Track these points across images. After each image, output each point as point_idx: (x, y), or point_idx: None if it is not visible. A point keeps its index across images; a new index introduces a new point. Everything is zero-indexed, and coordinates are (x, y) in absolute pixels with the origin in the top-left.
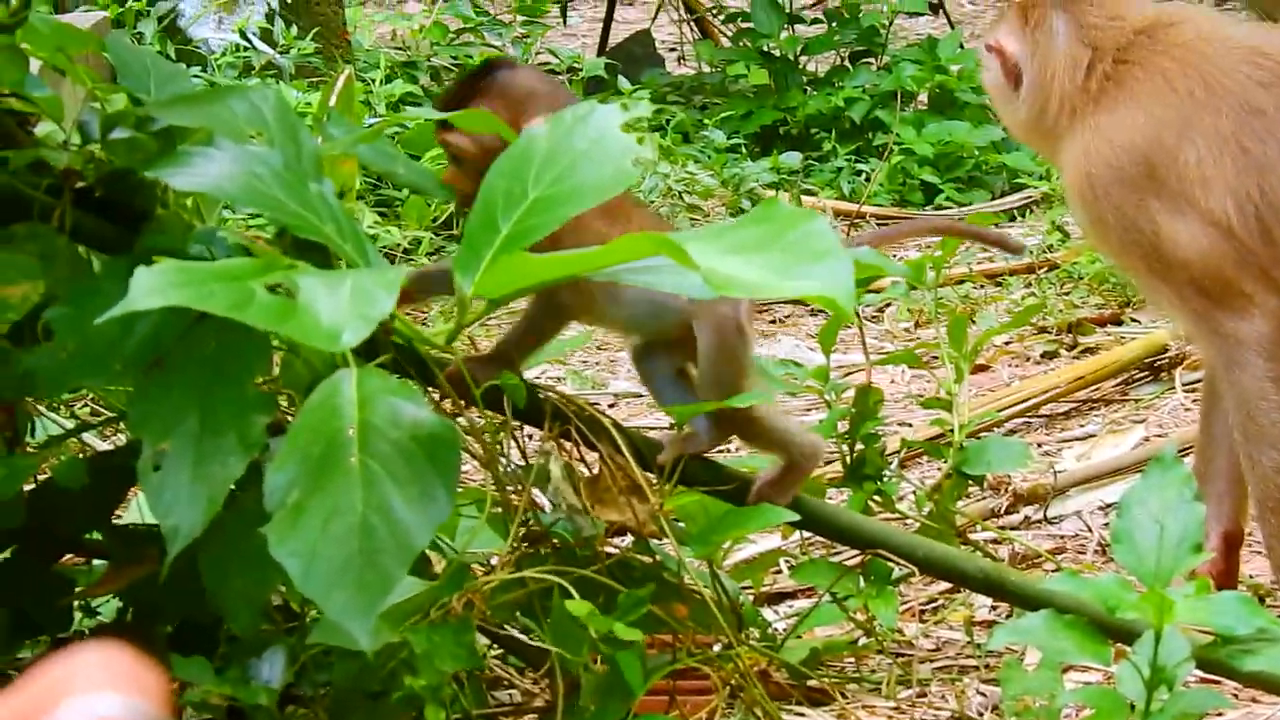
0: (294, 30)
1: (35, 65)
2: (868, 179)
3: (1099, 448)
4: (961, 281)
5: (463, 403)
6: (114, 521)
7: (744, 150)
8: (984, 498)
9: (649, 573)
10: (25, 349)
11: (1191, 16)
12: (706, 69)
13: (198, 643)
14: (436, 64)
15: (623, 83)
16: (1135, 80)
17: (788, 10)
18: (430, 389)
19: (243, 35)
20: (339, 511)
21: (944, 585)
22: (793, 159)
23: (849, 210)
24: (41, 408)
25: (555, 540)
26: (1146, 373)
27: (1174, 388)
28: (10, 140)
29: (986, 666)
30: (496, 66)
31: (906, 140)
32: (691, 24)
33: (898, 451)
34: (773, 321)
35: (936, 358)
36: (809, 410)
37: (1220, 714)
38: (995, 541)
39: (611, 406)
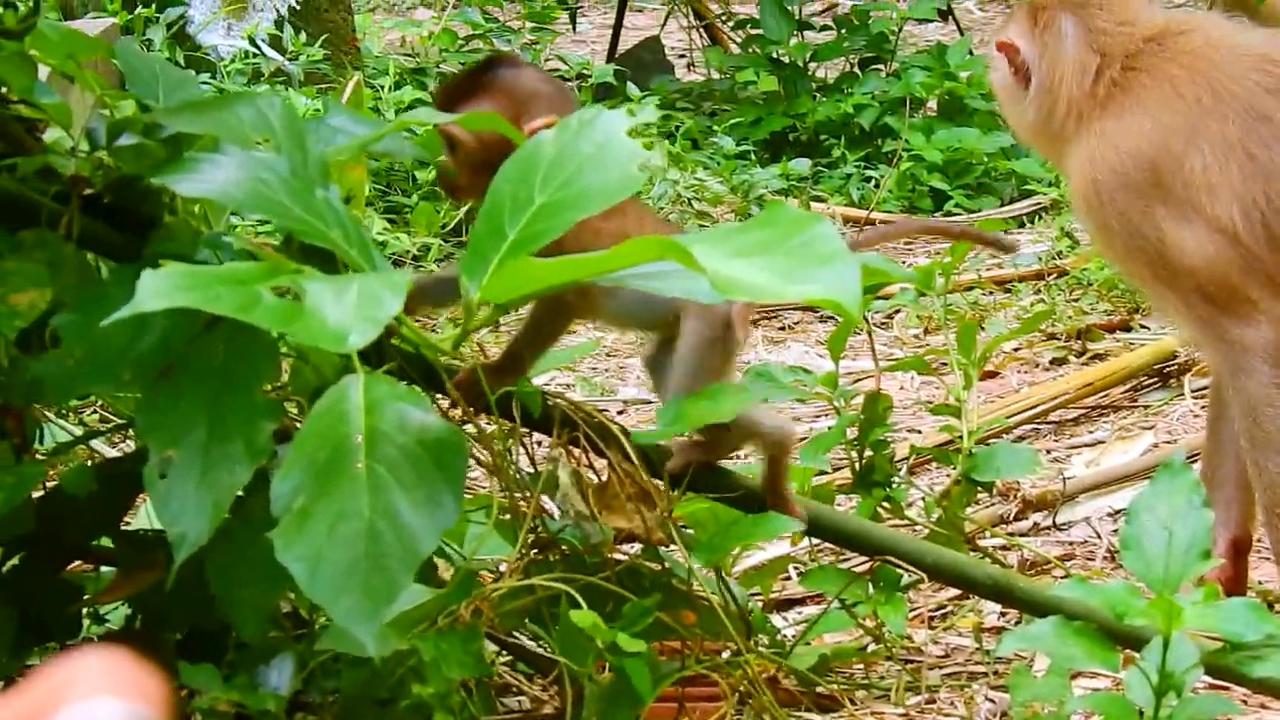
0: (303, 37)
1: (44, 72)
2: (877, 185)
3: (1108, 454)
4: (971, 288)
5: (470, 409)
6: (122, 528)
7: (753, 157)
8: (993, 504)
9: (657, 580)
10: (33, 356)
11: (1201, 24)
12: (716, 75)
13: (206, 650)
14: (445, 70)
15: (632, 89)
16: (1143, 87)
17: (797, 17)
18: (438, 395)
19: (252, 42)
20: (345, 516)
21: (953, 592)
22: (802, 165)
23: (858, 216)
24: (50, 415)
25: (564, 547)
26: (1155, 379)
27: (1183, 394)
28: (19, 147)
29: (995, 673)
30: (500, 63)
31: (916, 147)
32: (701, 30)
33: (907, 458)
34: (782, 328)
35: (945, 364)
36: (818, 416)
37: None
38: (1004, 548)
39: (620, 413)
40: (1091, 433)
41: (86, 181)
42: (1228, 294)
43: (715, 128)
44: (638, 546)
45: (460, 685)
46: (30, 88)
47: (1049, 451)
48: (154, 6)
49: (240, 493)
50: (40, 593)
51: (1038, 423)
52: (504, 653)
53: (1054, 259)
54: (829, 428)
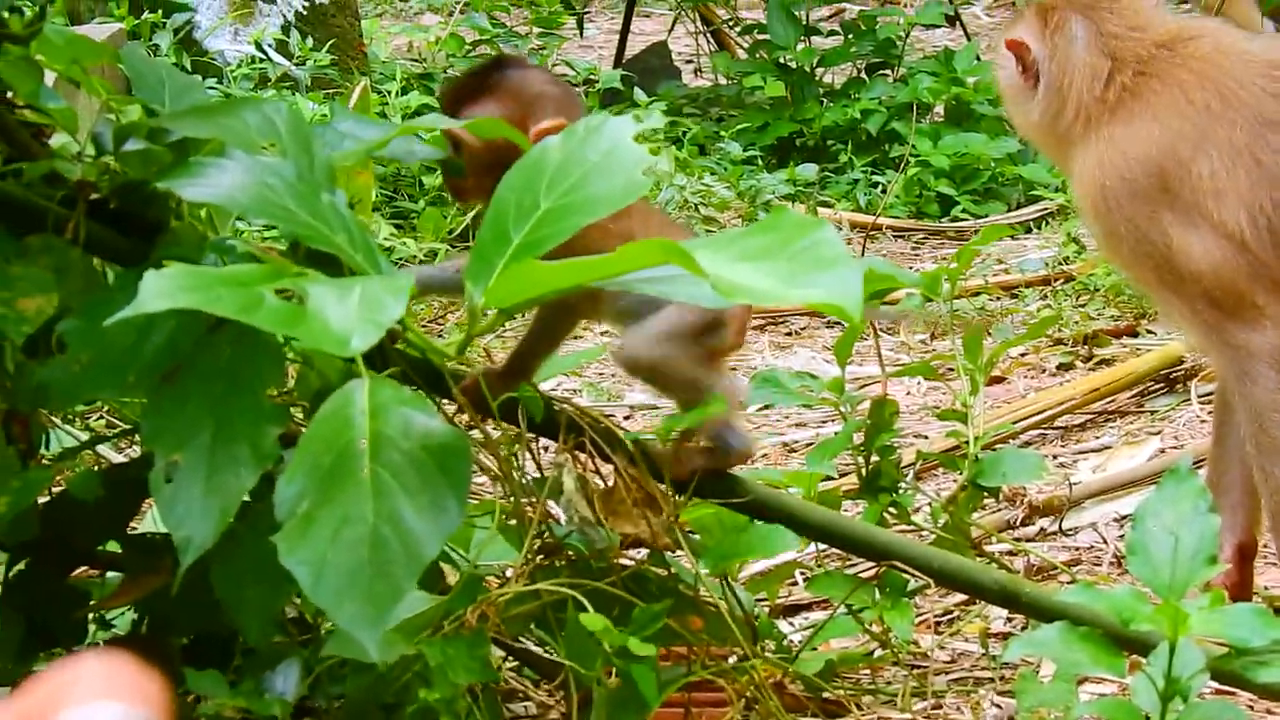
0: (310, 42)
1: (50, 77)
2: (884, 191)
3: (1114, 460)
4: (977, 293)
5: (476, 414)
6: (129, 533)
7: (760, 162)
8: (999, 509)
9: (664, 585)
10: (39, 361)
11: (1211, 31)
12: (723, 81)
13: (212, 655)
14: (452, 75)
15: (639, 95)
16: (1153, 93)
17: (804, 22)
18: (443, 400)
19: (258, 47)
20: (349, 521)
21: (959, 597)
22: (809, 171)
23: (865, 222)
24: (56, 420)
25: (570, 552)
26: (1162, 385)
27: (1189, 400)
28: (25, 152)
29: (1002, 678)
30: (507, 64)
31: (923, 152)
32: (708, 36)
33: (913, 463)
34: (789, 334)
35: (952, 369)
36: (824, 422)
37: None
38: (1010, 553)
39: (627, 418)
40: (1098, 438)
41: (93, 186)
42: (1234, 299)
43: (722, 133)
44: (644, 552)
45: (466, 691)
46: (36, 92)
47: (1055, 457)
48: (160, 11)
49: (246, 497)
50: (46, 598)
51: (1044, 428)
52: (510, 658)
53: (1061, 264)
54: (835, 433)
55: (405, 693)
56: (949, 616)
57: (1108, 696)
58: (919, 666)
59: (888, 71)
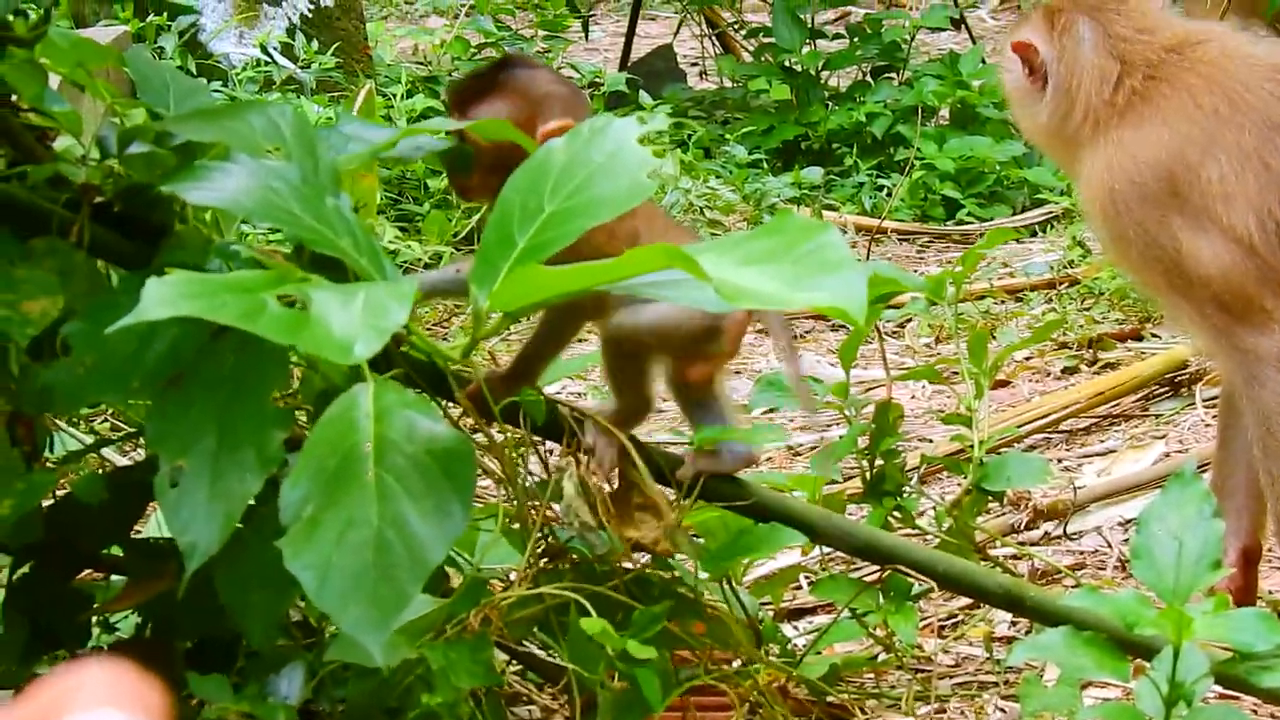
0: (315, 45)
1: (55, 80)
2: (889, 194)
3: (1119, 463)
4: (982, 297)
5: (481, 418)
6: (133, 537)
7: (765, 165)
8: (1004, 513)
9: (666, 589)
10: (43, 364)
11: (1219, 35)
12: (728, 84)
13: (216, 659)
14: (458, 79)
15: (644, 98)
16: (1163, 97)
17: (809, 25)
18: (448, 403)
19: (264, 50)
20: (354, 525)
21: (964, 601)
22: (814, 174)
23: (870, 225)
24: (60, 423)
25: (574, 556)
26: (1167, 388)
27: (1194, 403)
28: (29, 155)
29: (1006, 683)
30: (514, 64)
31: (928, 155)
32: (713, 39)
33: (918, 467)
34: (794, 337)
35: (957, 373)
36: (829, 425)
37: None
38: (1015, 557)
39: None
40: (1103, 442)
41: (97, 190)
42: (1243, 303)
43: (728, 136)
44: (647, 555)
45: (470, 694)
46: (41, 95)
47: (1060, 460)
48: (166, 14)
49: (250, 501)
50: (50, 601)
51: (1049, 432)
52: (514, 661)
53: (1066, 268)
54: (840, 436)
55: (408, 697)
56: (953, 620)
57: (1112, 701)
58: (923, 670)
59: (893, 75)
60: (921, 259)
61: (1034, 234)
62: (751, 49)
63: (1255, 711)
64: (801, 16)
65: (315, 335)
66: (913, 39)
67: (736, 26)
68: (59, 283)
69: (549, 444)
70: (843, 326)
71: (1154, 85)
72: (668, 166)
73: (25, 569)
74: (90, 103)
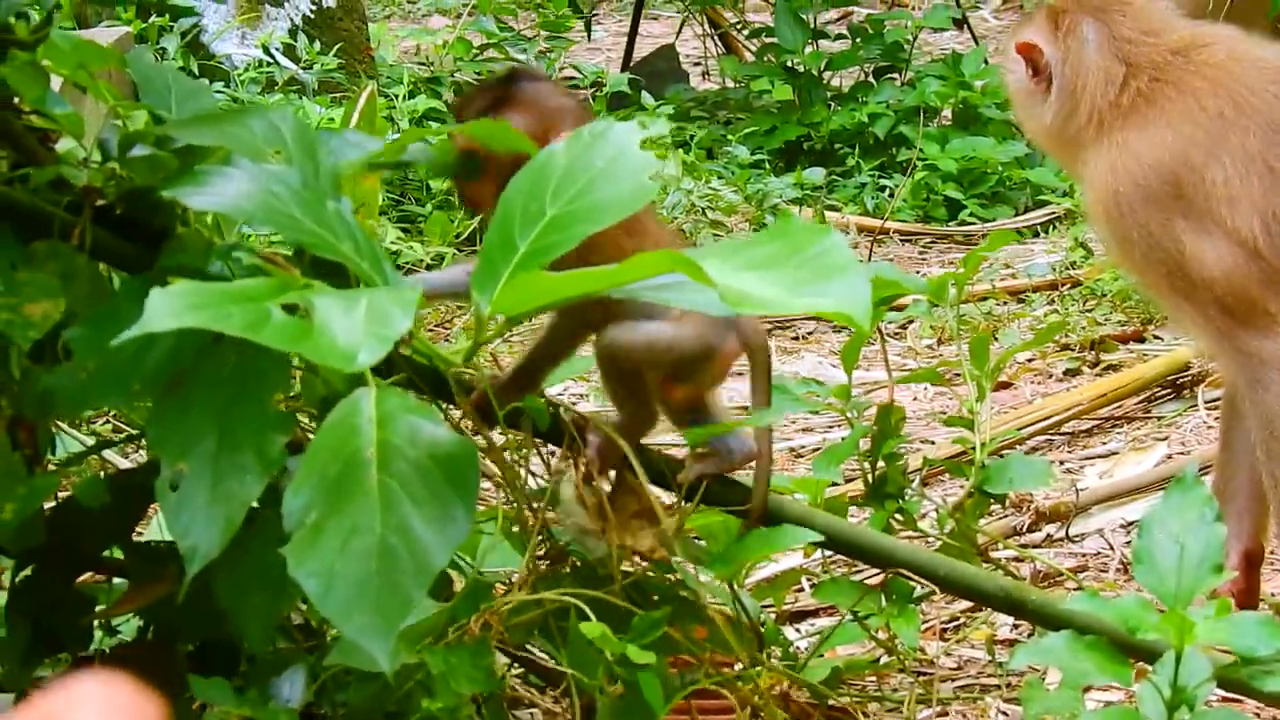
0: (317, 46)
1: (56, 82)
2: (891, 195)
3: (1121, 465)
4: (984, 298)
5: (484, 423)
6: (135, 539)
7: (768, 166)
8: (1006, 515)
9: (665, 594)
10: (45, 368)
11: (1224, 37)
12: (730, 84)
13: (219, 662)
14: (460, 79)
15: (646, 98)
16: (1167, 99)
17: (812, 25)
18: (449, 405)
19: (266, 51)
20: (358, 531)
21: (965, 604)
22: (816, 175)
23: (873, 226)
24: (63, 425)
25: (574, 560)
26: (1169, 390)
27: (1196, 405)
28: (31, 157)
29: (1008, 686)
30: (524, 77)
31: (930, 156)
32: (715, 38)
33: (920, 469)
34: (795, 338)
35: (959, 375)
36: (831, 427)
37: None
38: (1017, 559)
39: None
40: (1105, 444)
41: (99, 193)
42: (1247, 307)
43: (730, 137)
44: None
45: (471, 698)
46: (43, 98)
47: (1062, 462)
48: (168, 15)
49: (251, 504)
50: (52, 603)
51: (1051, 434)
52: (516, 665)
53: (1068, 269)
54: (842, 438)
55: (409, 701)
56: (955, 623)
57: (1114, 705)
58: (925, 673)
59: (895, 75)
60: (924, 260)
61: (1036, 234)
62: (754, 49)
63: (1258, 715)
64: (803, 17)
65: (319, 344)
66: (915, 39)
67: (739, 26)
68: (61, 286)
69: (550, 447)
70: (845, 328)
71: (1159, 88)
72: (670, 167)
73: (27, 571)
74: (92, 104)
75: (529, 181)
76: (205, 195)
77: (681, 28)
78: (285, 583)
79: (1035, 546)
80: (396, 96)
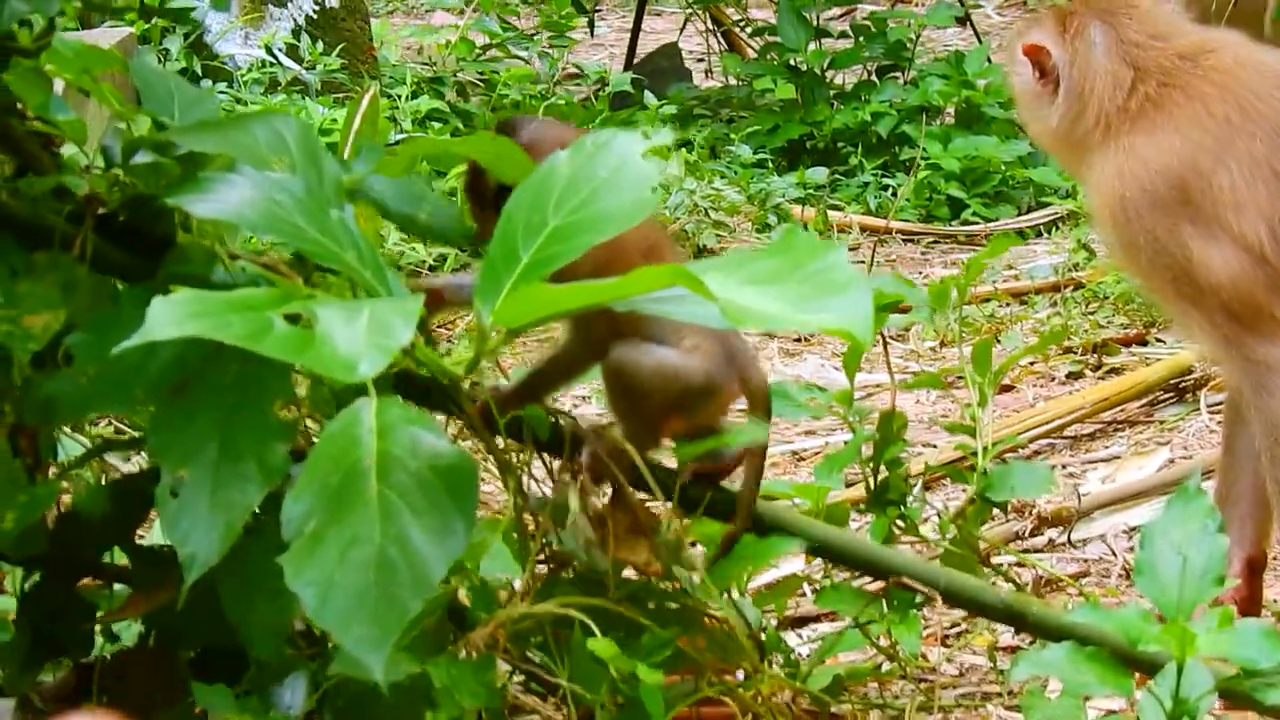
0: (320, 46)
1: (59, 84)
2: (894, 194)
3: (1124, 470)
4: (987, 300)
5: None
6: (137, 544)
7: (771, 165)
8: (1008, 520)
9: (665, 603)
10: (46, 375)
11: (1231, 43)
12: (733, 82)
13: (221, 667)
14: (463, 79)
15: (649, 98)
16: (1175, 104)
17: (814, 24)
18: (451, 416)
19: (269, 51)
20: (357, 542)
21: None
22: (819, 174)
23: (876, 225)
24: (65, 428)
25: (575, 566)
26: (1171, 394)
27: (1199, 409)
28: (33, 164)
29: (1010, 693)
30: (515, 124)
31: (933, 155)
32: (718, 36)
33: (921, 474)
34: (798, 340)
35: (961, 378)
36: (834, 430)
37: None
38: (1019, 564)
39: None
40: (1107, 448)
41: (101, 201)
42: (1252, 312)
43: (732, 136)
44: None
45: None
46: (46, 104)
47: (1064, 466)
48: (170, 16)
49: (256, 510)
50: (56, 609)
51: (1053, 437)
52: (517, 672)
53: (1071, 270)
54: (845, 442)
55: (412, 709)
56: (957, 629)
57: (1115, 714)
58: (926, 680)
59: (898, 74)
60: (926, 260)
61: (1039, 234)
62: (757, 47)
63: None
64: (806, 15)
65: (320, 354)
66: (917, 38)
67: (741, 25)
68: (61, 297)
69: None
70: None
71: (1167, 92)
72: (672, 168)
73: (36, 577)
74: (95, 108)
75: (532, 193)
76: (208, 203)
77: (685, 25)
78: (290, 591)
79: (1037, 551)
80: (399, 97)
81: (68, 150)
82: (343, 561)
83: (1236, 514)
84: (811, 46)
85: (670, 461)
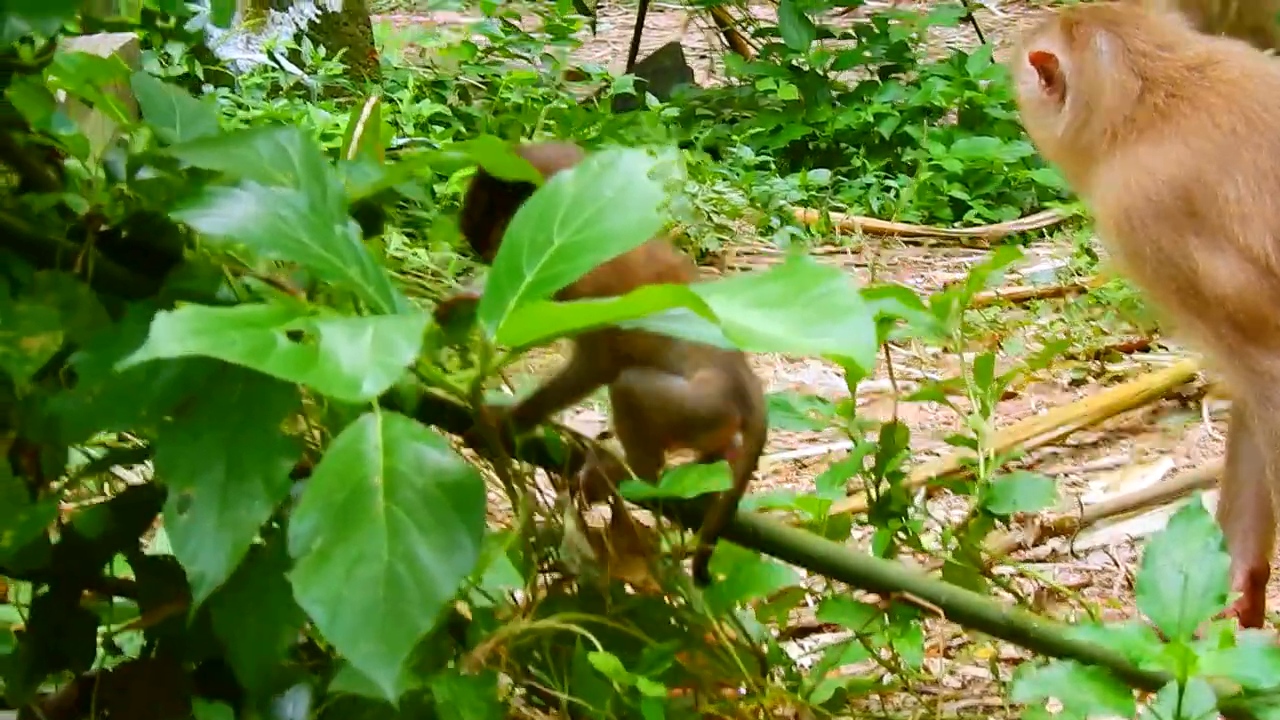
0: (322, 51)
1: (61, 93)
2: (897, 195)
3: (1126, 479)
4: (989, 305)
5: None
6: (142, 555)
7: (773, 166)
8: (1011, 530)
9: (665, 626)
10: (50, 392)
11: (1237, 54)
12: (735, 81)
13: (223, 681)
14: (465, 82)
15: (651, 100)
16: (1182, 115)
17: (817, 24)
18: (455, 432)
19: (271, 56)
20: (364, 559)
21: None
22: (821, 176)
23: (878, 227)
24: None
25: (576, 581)
26: (1175, 402)
27: (1201, 418)
28: (36, 179)
29: (1012, 706)
30: (519, 149)
31: (936, 156)
32: (721, 35)
33: (924, 482)
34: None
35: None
36: (837, 437)
37: None
38: (1021, 575)
39: None
40: (1110, 456)
41: (103, 218)
42: (1258, 324)
43: (735, 137)
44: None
45: None
46: (48, 119)
47: (1067, 475)
48: (172, 21)
49: (259, 529)
50: (60, 623)
51: (1056, 446)
52: (519, 686)
53: (1073, 275)
54: (848, 450)
55: None
56: (959, 641)
57: None
58: (929, 693)
59: (901, 74)
60: (929, 264)
61: (1042, 236)
62: (759, 47)
63: None
64: (808, 15)
65: (324, 372)
66: (919, 39)
67: (744, 24)
68: (60, 317)
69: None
70: None
71: (1175, 103)
72: (674, 172)
73: (44, 589)
74: (97, 119)
75: (537, 210)
76: (212, 219)
77: (687, 24)
78: (284, 611)
79: (1040, 561)
80: (401, 101)
81: (71, 161)
82: (350, 578)
83: (1240, 526)
84: (814, 47)
85: None
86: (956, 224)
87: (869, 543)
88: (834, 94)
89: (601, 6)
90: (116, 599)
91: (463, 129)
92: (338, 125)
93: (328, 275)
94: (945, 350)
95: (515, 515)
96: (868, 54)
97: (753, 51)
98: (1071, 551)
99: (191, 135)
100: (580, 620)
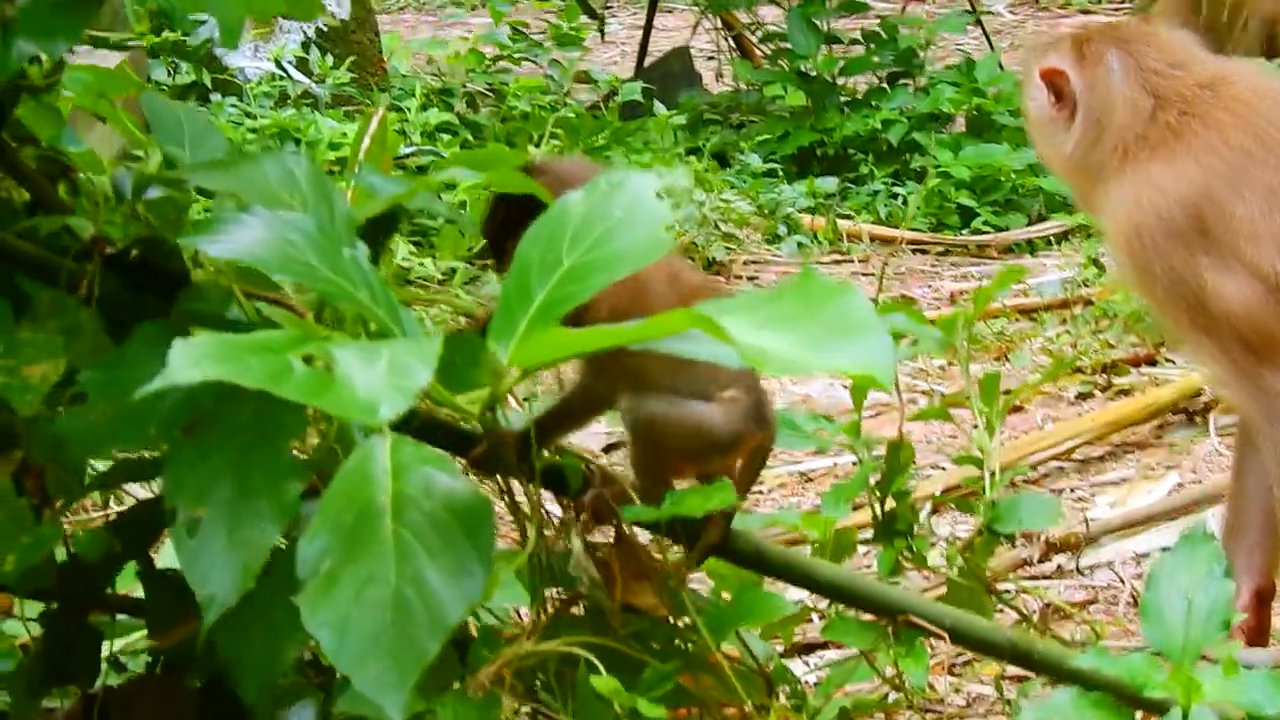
0: (330, 59)
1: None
2: (905, 202)
3: (1132, 494)
4: (995, 316)
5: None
6: (152, 569)
7: (781, 173)
8: (1017, 546)
9: (670, 640)
10: (55, 412)
11: (1248, 73)
12: (743, 87)
13: (229, 698)
14: (472, 89)
15: (659, 108)
16: (1194, 133)
17: (825, 30)
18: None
19: (278, 64)
20: (372, 581)
21: None
22: (829, 184)
23: (886, 235)
24: None
25: (583, 602)
26: (1181, 416)
27: (1208, 433)
28: (44, 199)
29: None
30: (539, 166)
31: (944, 163)
32: (729, 40)
33: (929, 498)
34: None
35: (969, 399)
36: (842, 451)
37: None
38: (1026, 592)
39: None
40: (1116, 470)
41: (108, 241)
42: (1266, 342)
43: (742, 143)
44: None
45: None
46: (58, 137)
47: (1073, 489)
48: (180, 30)
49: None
50: (68, 641)
51: (1062, 460)
52: (523, 707)
53: (1080, 286)
54: (853, 464)
55: None
56: (964, 659)
57: None
58: (934, 711)
59: (909, 81)
60: (936, 272)
61: (1049, 243)
62: (767, 53)
63: None
64: (817, 22)
65: (340, 397)
66: (927, 45)
67: (752, 29)
68: (63, 343)
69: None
70: None
71: (1187, 121)
72: (681, 180)
73: (54, 605)
74: (104, 129)
75: (546, 231)
76: (221, 242)
77: (695, 28)
78: (288, 630)
79: (1045, 578)
80: (409, 109)
81: (82, 177)
82: (359, 601)
83: (1245, 543)
84: (822, 52)
85: None
86: (964, 231)
87: (874, 558)
88: (842, 100)
89: (610, 7)
90: (120, 615)
91: (470, 137)
92: (345, 134)
93: (337, 299)
94: (950, 363)
95: (524, 536)
96: (876, 59)
97: (761, 56)
98: (1077, 568)
99: (200, 154)
100: (584, 642)
